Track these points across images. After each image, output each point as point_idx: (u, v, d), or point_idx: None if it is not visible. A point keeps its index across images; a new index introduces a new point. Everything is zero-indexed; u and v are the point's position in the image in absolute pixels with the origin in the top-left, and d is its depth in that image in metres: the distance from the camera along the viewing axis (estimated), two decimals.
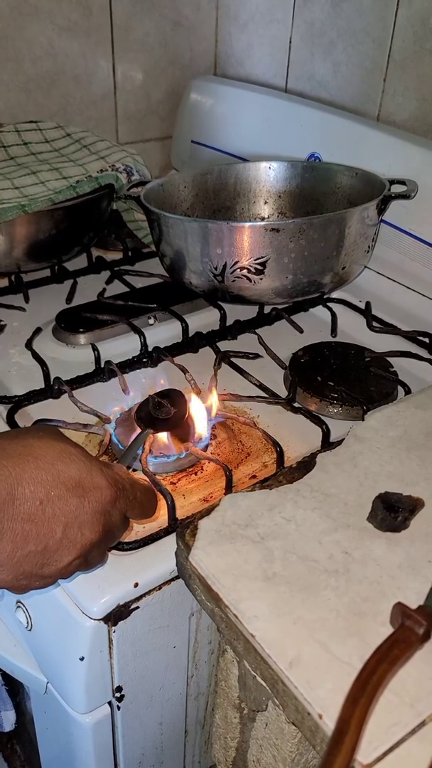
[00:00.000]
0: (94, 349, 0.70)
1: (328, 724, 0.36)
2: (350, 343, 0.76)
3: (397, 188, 0.76)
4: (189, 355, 0.74)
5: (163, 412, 0.56)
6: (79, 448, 0.42)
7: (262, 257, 0.68)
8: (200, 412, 0.60)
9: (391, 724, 0.36)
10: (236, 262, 0.69)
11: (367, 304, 0.81)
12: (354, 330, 0.79)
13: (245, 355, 0.72)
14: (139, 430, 0.56)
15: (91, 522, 0.40)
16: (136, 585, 0.48)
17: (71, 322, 0.76)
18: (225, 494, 0.54)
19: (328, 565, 0.45)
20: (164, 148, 1.16)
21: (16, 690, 0.72)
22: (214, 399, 0.61)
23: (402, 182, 0.77)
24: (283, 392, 0.67)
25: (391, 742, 0.35)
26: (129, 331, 0.75)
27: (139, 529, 0.52)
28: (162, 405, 0.56)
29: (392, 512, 0.47)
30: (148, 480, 0.53)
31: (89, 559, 0.42)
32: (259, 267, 0.69)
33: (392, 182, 0.76)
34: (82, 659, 0.49)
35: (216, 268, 0.70)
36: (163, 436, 0.58)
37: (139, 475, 0.57)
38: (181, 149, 1.11)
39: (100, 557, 0.44)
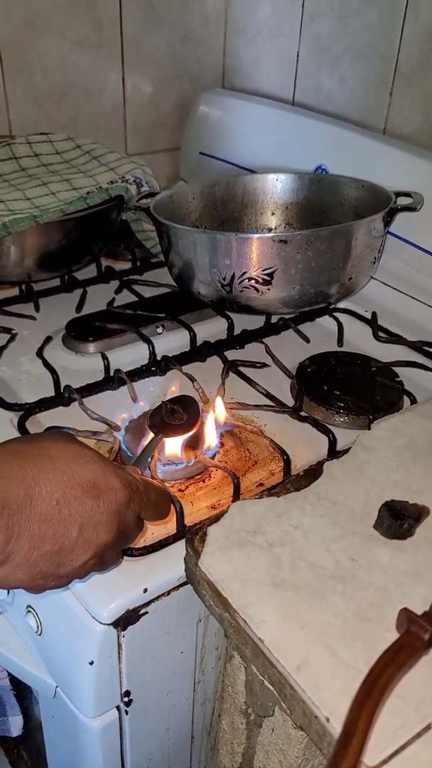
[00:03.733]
0: (104, 357, 0.71)
1: (336, 727, 0.36)
2: (356, 352, 0.77)
3: (403, 200, 0.77)
4: (197, 363, 0.75)
5: (176, 418, 0.57)
6: (93, 451, 0.43)
7: (270, 268, 0.69)
8: (208, 421, 0.61)
9: (397, 727, 0.36)
10: (244, 273, 0.70)
11: (373, 314, 0.82)
12: (360, 340, 0.80)
13: (252, 364, 0.73)
14: (150, 436, 0.57)
15: (106, 522, 0.41)
16: (145, 590, 0.49)
17: (81, 331, 0.77)
18: (233, 501, 0.55)
19: (335, 572, 0.45)
20: (173, 160, 1.17)
21: (23, 695, 0.73)
22: (222, 408, 0.62)
23: (408, 194, 0.78)
24: (289, 401, 0.68)
25: (398, 744, 0.36)
26: (138, 340, 0.76)
27: (148, 535, 0.53)
28: (175, 411, 0.57)
29: (398, 520, 0.48)
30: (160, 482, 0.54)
31: (104, 559, 0.43)
32: (266, 278, 0.70)
33: (398, 194, 0.78)
34: (91, 663, 0.49)
35: (224, 279, 0.71)
36: (172, 444, 0.58)
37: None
38: (190, 160, 1.13)
39: (115, 557, 0.44)
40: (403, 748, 0.36)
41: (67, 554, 0.40)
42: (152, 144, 1.14)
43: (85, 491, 0.40)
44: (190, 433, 0.58)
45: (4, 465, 0.38)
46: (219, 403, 0.63)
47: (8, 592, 0.58)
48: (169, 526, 0.53)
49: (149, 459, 0.55)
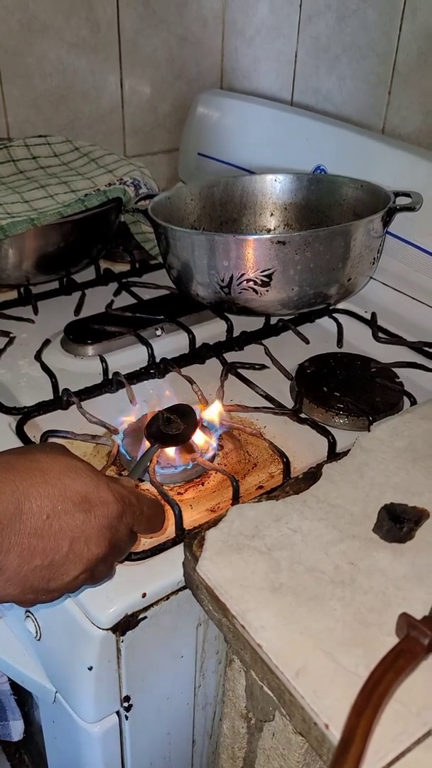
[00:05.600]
0: (102, 360, 0.71)
1: (335, 733, 0.36)
2: (356, 353, 0.76)
3: (402, 200, 0.77)
4: (196, 366, 0.74)
5: (172, 427, 0.56)
6: (85, 463, 0.42)
7: (269, 269, 0.69)
8: (207, 423, 0.60)
9: (397, 733, 0.36)
10: (243, 275, 0.70)
11: (373, 314, 0.82)
12: (360, 341, 0.80)
13: (252, 366, 0.73)
14: (147, 442, 0.56)
15: (98, 537, 0.40)
16: (144, 595, 0.49)
17: (79, 334, 0.77)
18: (232, 505, 0.54)
19: (334, 576, 0.45)
20: (171, 161, 1.17)
21: (24, 700, 0.73)
22: (221, 410, 0.62)
23: (407, 194, 0.77)
24: (289, 403, 0.68)
25: (398, 750, 0.35)
26: (136, 343, 0.76)
27: (146, 540, 0.53)
28: (171, 420, 0.57)
29: (398, 523, 0.47)
30: (156, 493, 0.54)
31: (96, 573, 0.42)
32: (265, 279, 0.69)
33: (397, 194, 0.77)
34: (90, 669, 0.49)
35: (223, 281, 0.71)
36: (172, 449, 0.58)
37: (147, 486, 0.57)
38: (188, 161, 1.12)
39: (107, 571, 0.44)
40: (403, 754, 0.36)
41: (58, 569, 0.39)
42: (151, 145, 1.14)
43: (76, 505, 0.39)
44: (185, 443, 0.57)
45: None
46: (218, 405, 0.62)
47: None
48: (167, 531, 0.53)
49: (145, 469, 0.55)
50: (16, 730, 0.73)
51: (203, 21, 1.09)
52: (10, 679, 0.71)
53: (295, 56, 1.00)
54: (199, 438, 0.59)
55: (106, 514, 0.41)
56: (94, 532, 0.40)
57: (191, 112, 1.10)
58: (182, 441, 0.57)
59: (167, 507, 0.52)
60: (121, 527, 0.42)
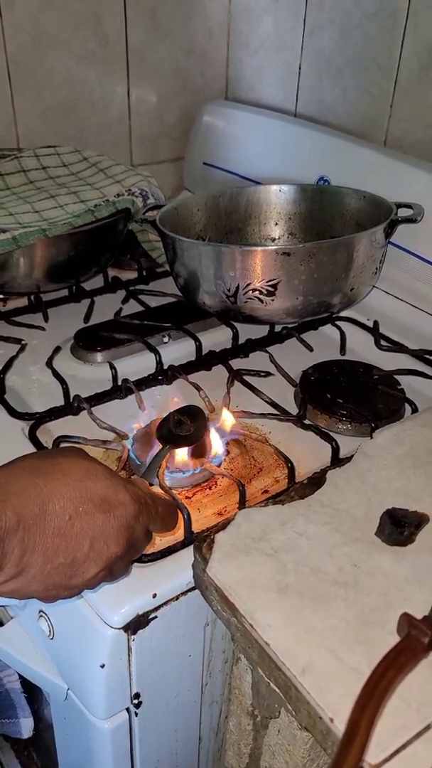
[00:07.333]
0: (112, 367, 0.73)
1: (339, 727, 0.38)
2: (359, 361, 0.78)
3: (403, 212, 0.78)
4: (202, 372, 0.76)
5: (183, 429, 0.58)
6: (103, 466, 0.44)
7: (274, 279, 0.71)
8: (214, 429, 0.62)
9: (398, 728, 0.38)
10: (248, 284, 0.71)
11: (375, 323, 0.84)
12: (362, 348, 0.82)
13: (257, 373, 0.75)
14: (157, 446, 0.58)
15: (117, 536, 0.42)
16: (154, 595, 0.50)
17: (89, 341, 0.79)
18: (238, 508, 0.56)
19: (338, 577, 0.47)
20: (177, 169, 1.19)
21: (34, 697, 0.74)
22: (227, 416, 0.64)
23: (408, 206, 0.79)
24: (293, 409, 0.70)
25: (398, 744, 0.37)
26: (144, 350, 0.78)
27: (156, 542, 0.55)
28: (182, 422, 0.58)
29: (399, 527, 0.49)
30: (168, 495, 0.56)
31: (114, 570, 0.44)
32: (270, 289, 0.71)
33: (399, 206, 0.79)
34: (102, 666, 0.51)
35: (229, 290, 0.73)
36: (180, 453, 0.60)
37: (157, 490, 0.59)
38: (193, 170, 1.14)
39: (125, 569, 0.46)
40: (403, 747, 0.37)
41: (79, 567, 0.41)
42: (157, 154, 1.16)
43: (96, 506, 0.41)
44: (196, 443, 0.59)
45: (21, 481, 0.40)
46: (225, 411, 0.64)
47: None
48: (177, 534, 0.55)
49: (158, 470, 0.57)
50: (26, 727, 0.75)
51: (208, 32, 1.11)
52: (20, 678, 0.73)
53: (299, 68, 1.02)
54: (209, 440, 0.60)
55: (124, 514, 0.43)
56: (113, 531, 0.42)
57: (196, 122, 1.12)
58: (193, 442, 0.58)
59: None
60: (138, 527, 0.44)
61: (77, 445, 0.63)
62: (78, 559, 0.41)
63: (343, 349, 0.82)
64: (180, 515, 0.52)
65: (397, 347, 0.80)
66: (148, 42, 1.06)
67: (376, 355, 0.79)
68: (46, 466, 0.42)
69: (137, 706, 0.55)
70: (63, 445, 0.62)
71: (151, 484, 0.59)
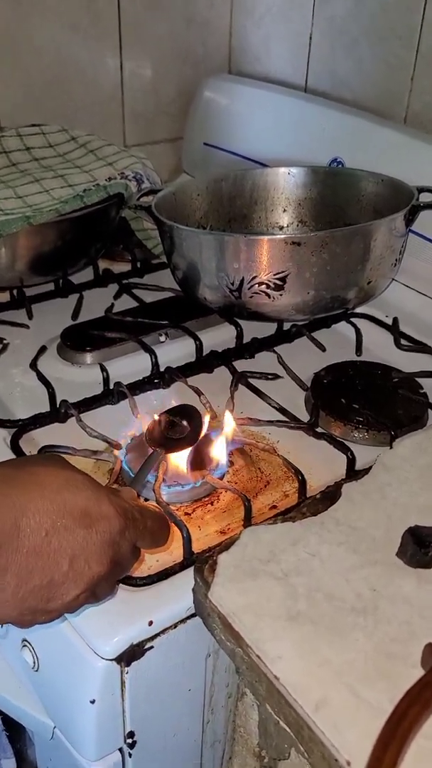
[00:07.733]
0: (103, 369, 0.73)
1: None
2: (376, 362, 0.78)
3: (426, 197, 0.78)
4: (203, 375, 0.76)
5: (176, 431, 0.57)
6: (85, 476, 0.44)
7: (282, 272, 0.71)
8: (216, 438, 0.62)
9: None
10: (254, 277, 0.71)
11: (395, 320, 0.83)
12: (380, 348, 0.82)
13: (263, 376, 0.75)
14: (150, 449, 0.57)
15: (99, 554, 0.42)
16: (150, 623, 0.50)
17: (77, 340, 0.79)
18: (244, 526, 0.56)
19: (355, 604, 0.47)
20: (174, 150, 1.19)
21: (17, 736, 0.74)
22: (231, 423, 0.64)
23: (431, 190, 0.79)
24: (304, 416, 0.70)
25: None
26: (139, 350, 0.78)
27: (152, 563, 0.55)
28: (175, 423, 0.58)
29: (423, 547, 0.49)
30: (158, 507, 0.55)
31: (97, 592, 0.44)
32: (278, 282, 0.71)
33: (421, 190, 0.79)
34: (92, 702, 0.51)
35: (232, 284, 0.73)
36: (178, 464, 0.60)
37: (151, 504, 0.59)
38: (193, 152, 1.14)
39: (109, 589, 0.46)
40: None
41: (57, 588, 0.41)
42: (152, 134, 1.16)
43: (76, 521, 0.41)
44: (192, 447, 0.58)
45: None
46: (228, 418, 0.64)
47: (0, 626, 0.59)
48: (175, 554, 0.54)
49: (152, 481, 0.56)
50: None
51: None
52: (2, 714, 0.73)
53: (310, 38, 1.02)
54: (217, 446, 0.60)
55: (108, 529, 0.42)
56: (95, 549, 0.41)
57: (197, 98, 1.12)
58: (188, 445, 0.58)
59: (174, 529, 0.53)
60: (124, 543, 0.43)
61: (63, 456, 0.63)
62: (56, 580, 0.40)
63: (359, 349, 0.82)
64: (176, 534, 0.52)
65: (419, 347, 0.80)
66: (143, 8, 1.06)
67: (396, 356, 0.79)
68: (20, 476, 0.41)
69: (131, 746, 0.55)
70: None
71: (139, 495, 0.59)
